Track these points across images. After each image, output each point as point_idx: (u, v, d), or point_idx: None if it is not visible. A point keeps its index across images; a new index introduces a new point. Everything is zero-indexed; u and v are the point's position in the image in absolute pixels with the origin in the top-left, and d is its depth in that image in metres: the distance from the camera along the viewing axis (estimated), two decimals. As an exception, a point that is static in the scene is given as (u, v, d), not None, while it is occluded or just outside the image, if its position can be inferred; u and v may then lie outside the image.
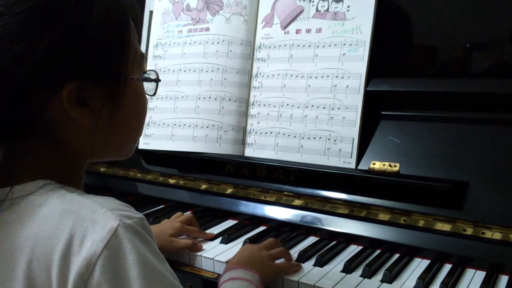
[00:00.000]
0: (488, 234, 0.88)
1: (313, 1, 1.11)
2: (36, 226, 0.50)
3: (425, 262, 0.92)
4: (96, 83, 0.55)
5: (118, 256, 0.48)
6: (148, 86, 0.65)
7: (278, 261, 0.89)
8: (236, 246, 1.02)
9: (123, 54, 0.57)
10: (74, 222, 0.49)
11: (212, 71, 1.21)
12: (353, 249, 0.99)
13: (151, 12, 1.35)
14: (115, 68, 0.56)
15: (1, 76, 0.51)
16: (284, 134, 1.12)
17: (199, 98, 1.22)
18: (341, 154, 1.04)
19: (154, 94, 0.67)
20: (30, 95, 0.52)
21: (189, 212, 1.18)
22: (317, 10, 1.11)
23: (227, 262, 0.93)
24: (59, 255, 0.48)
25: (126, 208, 0.53)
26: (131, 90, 0.60)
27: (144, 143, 1.28)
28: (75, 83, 0.53)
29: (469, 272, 0.88)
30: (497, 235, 0.87)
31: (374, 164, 1.00)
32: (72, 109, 0.54)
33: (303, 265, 0.92)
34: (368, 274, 0.87)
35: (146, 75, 0.64)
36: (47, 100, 0.53)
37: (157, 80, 0.66)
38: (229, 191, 1.19)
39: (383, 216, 0.98)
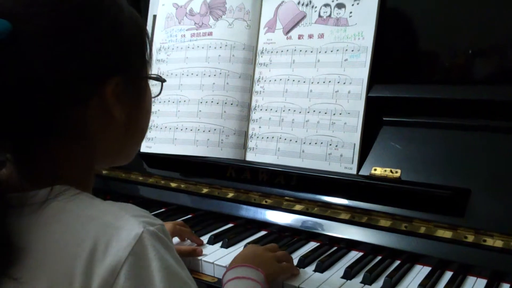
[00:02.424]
0: (490, 241, 0.87)
1: (316, 7, 1.12)
2: (60, 233, 0.50)
3: (426, 269, 0.92)
4: (127, 80, 0.57)
5: (143, 262, 0.49)
6: (152, 89, 0.66)
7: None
8: (236, 251, 1.01)
9: (144, 53, 0.61)
10: (98, 228, 0.49)
11: (215, 75, 1.22)
12: (353, 255, 0.99)
13: (154, 17, 1.36)
14: (140, 65, 0.61)
15: (42, 76, 0.51)
16: (285, 139, 1.12)
17: (201, 102, 1.22)
18: (342, 160, 1.04)
19: (159, 94, 0.70)
20: (78, 90, 0.53)
21: (179, 220, 1.17)
22: (319, 15, 1.11)
23: (227, 266, 0.93)
24: (83, 261, 0.48)
25: (147, 215, 0.53)
26: (147, 89, 0.64)
27: (146, 147, 1.29)
28: (116, 78, 0.55)
29: (470, 279, 0.88)
30: (499, 243, 0.87)
31: (375, 170, 1.00)
32: (113, 104, 0.56)
33: (303, 270, 0.92)
34: (368, 280, 0.87)
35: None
36: (91, 96, 0.54)
37: (163, 80, 0.70)
38: (230, 195, 1.19)
39: (384, 222, 0.98)
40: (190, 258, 0.99)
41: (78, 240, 0.49)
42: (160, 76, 0.70)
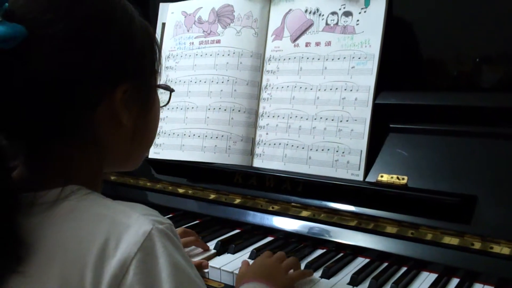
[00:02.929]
0: (497, 248, 0.87)
1: (323, 15, 1.13)
2: (71, 231, 0.51)
3: (433, 276, 0.92)
4: (136, 88, 0.59)
5: (151, 258, 0.50)
6: (160, 97, 0.68)
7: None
8: (243, 256, 1.02)
9: (154, 63, 0.63)
10: (109, 226, 0.51)
11: (222, 82, 1.23)
12: (360, 262, 0.99)
13: (163, 24, 1.38)
14: (150, 74, 0.62)
15: (54, 80, 0.52)
16: (292, 146, 1.13)
17: (209, 109, 1.23)
18: (349, 166, 1.04)
19: (167, 104, 0.72)
20: (88, 94, 0.55)
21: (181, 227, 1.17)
22: (326, 23, 1.12)
23: (234, 272, 0.94)
24: (94, 258, 0.49)
25: (156, 214, 0.55)
26: (155, 98, 0.65)
27: (154, 153, 1.30)
28: (125, 86, 0.57)
29: (477, 286, 0.88)
30: (506, 250, 0.87)
31: (382, 176, 1.00)
32: (121, 110, 0.57)
33: (310, 277, 0.92)
34: (375, 287, 0.87)
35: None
36: (100, 101, 0.56)
37: (171, 90, 0.71)
38: (237, 201, 1.20)
39: (390, 229, 0.98)
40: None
41: (89, 238, 0.50)
42: (169, 86, 0.71)
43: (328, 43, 1.12)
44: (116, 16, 0.57)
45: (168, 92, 0.73)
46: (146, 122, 0.63)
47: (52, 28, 0.52)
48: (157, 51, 0.63)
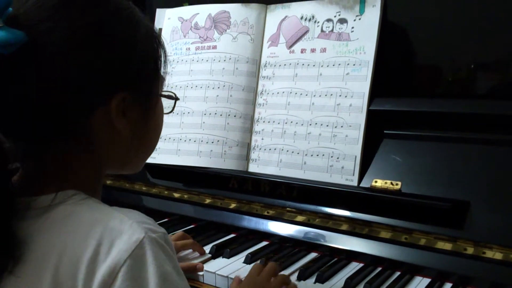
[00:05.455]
0: (489, 254, 0.88)
1: (318, 22, 1.14)
2: (65, 234, 0.52)
3: (426, 281, 0.93)
4: (136, 96, 0.59)
5: (140, 266, 0.50)
6: (165, 104, 0.68)
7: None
8: (238, 261, 1.03)
9: (158, 70, 0.63)
10: (103, 231, 0.51)
11: (218, 88, 1.24)
12: (354, 266, 1.00)
13: (160, 30, 1.39)
14: (151, 81, 0.62)
15: (52, 84, 0.53)
16: (287, 151, 1.14)
17: (205, 114, 1.24)
18: (343, 172, 1.05)
19: (171, 111, 0.73)
20: (83, 101, 0.55)
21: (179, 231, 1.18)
22: (322, 30, 1.14)
23: (228, 276, 0.94)
24: (86, 262, 0.50)
25: (151, 222, 0.55)
26: (157, 105, 0.65)
27: (150, 157, 1.30)
28: (123, 94, 0.57)
29: (470, 291, 0.89)
30: (498, 255, 0.87)
31: (376, 182, 1.01)
32: (117, 118, 0.57)
33: (304, 281, 0.93)
34: (368, 291, 0.88)
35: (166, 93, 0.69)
36: (96, 108, 0.56)
37: (176, 98, 0.71)
38: (233, 206, 1.20)
39: (384, 234, 0.99)
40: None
41: (83, 242, 0.51)
42: (174, 94, 0.70)
43: (323, 50, 1.13)
44: (119, 26, 0.57)
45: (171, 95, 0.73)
46: (146, 130, 0.63)
47: (52, 35, 0.52)
48: (163, 59, 0.63)
